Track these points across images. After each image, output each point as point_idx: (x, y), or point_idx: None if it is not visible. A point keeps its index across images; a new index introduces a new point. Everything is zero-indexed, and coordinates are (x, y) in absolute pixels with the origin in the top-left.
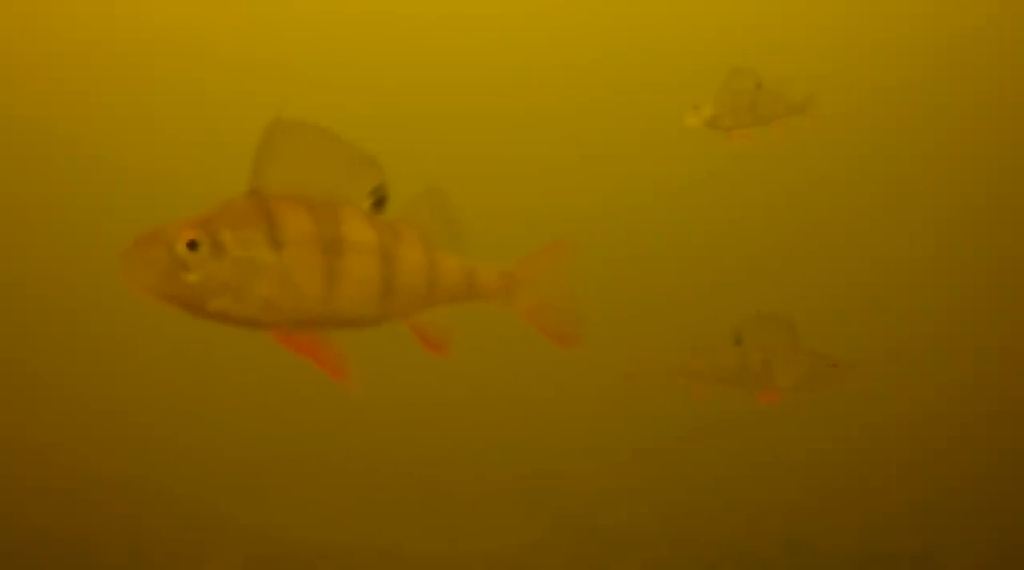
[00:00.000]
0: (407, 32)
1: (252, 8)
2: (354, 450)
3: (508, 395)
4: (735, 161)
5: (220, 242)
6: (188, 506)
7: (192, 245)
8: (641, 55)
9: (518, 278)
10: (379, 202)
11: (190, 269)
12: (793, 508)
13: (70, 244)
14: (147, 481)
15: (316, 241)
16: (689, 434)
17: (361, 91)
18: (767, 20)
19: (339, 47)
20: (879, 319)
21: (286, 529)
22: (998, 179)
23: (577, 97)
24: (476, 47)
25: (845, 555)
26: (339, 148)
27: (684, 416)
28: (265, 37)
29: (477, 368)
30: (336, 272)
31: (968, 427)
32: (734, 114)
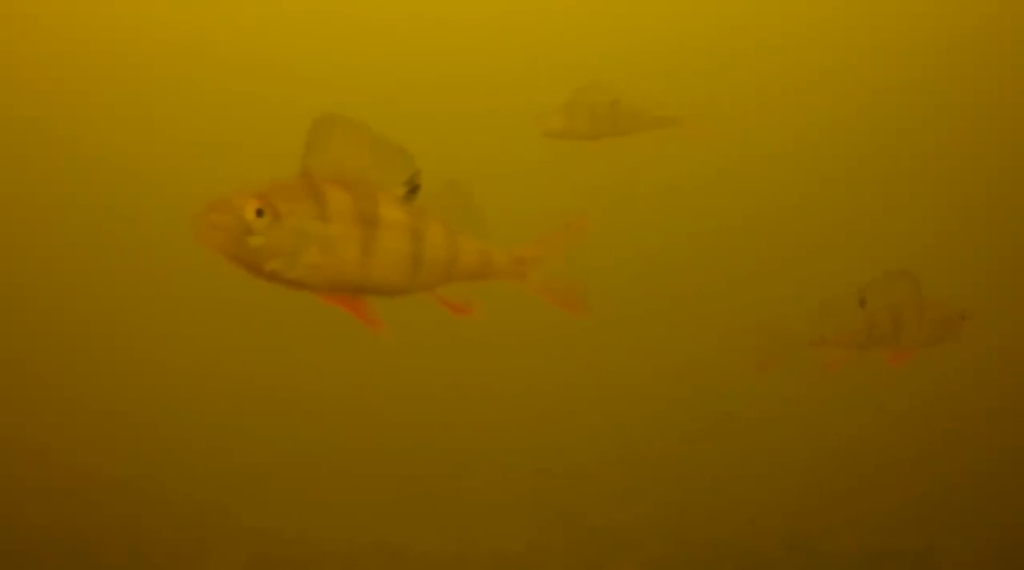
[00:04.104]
0: (406, 32)
1: (253, 8)
2: (355, 450)
3: (509, 396)
4: (738, 160)
5: (279, 212)
6: (188, 506)
7: (259, 213)
8: (645, 54)
9: (528, 260)
10: (412, 190)
11: (254, 233)
12: (793, 507)
13: (70, 244)
14: (147, 481)
15: (356, 217)
16: (689, 434)
17: (352, 90)
18: (769, 20)
19: (338, 46)
20: None
21: (286, 529)
22: (998, 179)
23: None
24: (480, 47)
25: (845, 554)
26: (379, 141)
27: (684, 416)
28: (266, 37)
29: (479, 369)
30: (371, 244)
31: (968, 424)
32: (590, 125)
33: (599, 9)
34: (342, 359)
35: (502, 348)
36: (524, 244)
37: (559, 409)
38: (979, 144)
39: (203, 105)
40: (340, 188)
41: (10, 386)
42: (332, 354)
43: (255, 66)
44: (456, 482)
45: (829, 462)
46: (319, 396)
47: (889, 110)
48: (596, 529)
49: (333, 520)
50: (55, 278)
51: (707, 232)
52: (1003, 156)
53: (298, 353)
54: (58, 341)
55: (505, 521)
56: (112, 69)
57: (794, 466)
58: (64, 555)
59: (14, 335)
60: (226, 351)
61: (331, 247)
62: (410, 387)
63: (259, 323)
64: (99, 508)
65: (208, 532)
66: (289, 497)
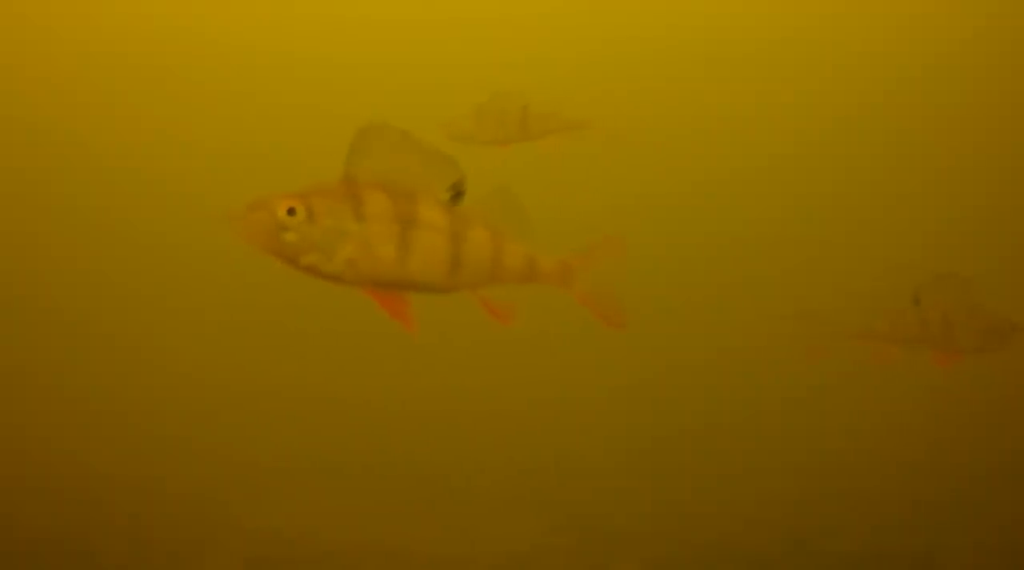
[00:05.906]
0: (412, 33)
1: (254, 8)
2: (357, 450)
3: (517, 394)
4: (781, 151)
5: (313, 211)
6: (188, 506)
7: (291, 212)
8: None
9: (574, 267)
10: (457, 195)
11: (288, 230)
12: (793, 508)
13: (70, 244)
14: (147, 481)
15: (393, 217)
16: (689, 434)
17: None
18: (768, 19)
19: (343, 47)
20: None
21: (287, 529)
22: (998, 179)
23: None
24: (483, 48)
25: (846, 555)
26: (422, 148)
27: (685, 415)
28: (267, 37)
29: (481, 369)
30: (409, 243)
31: (968, 427)
32: (498, 130)
33: (510, 14)
34: (344, 358)
35: (508, 350)
36: (569, 253)
37: (568, 408)
38: None
39: (204, 105)
40: (380, 191)
41: (10, 386)
42: (334, 353)
43: (256, 66)
44: (459, 483)
45: (829, 463)
46: (320, 395)
47: (947, 107)
48: (597, 529)
49: (334, 521)
50: (55, 278)
51: (735, 230)
52: None
53: (299, 351)
54: (58, 341)
55: (507, 522)
56: (113, 69)
57: (795, 467)
58: (64, 555)
59: (14, 335)
60: (227, 351)
61: (367, 244)
62: (413, 387)
63: (258, 322)
64: (99, 508)
65: (208, 532)
66: (289, 497)
